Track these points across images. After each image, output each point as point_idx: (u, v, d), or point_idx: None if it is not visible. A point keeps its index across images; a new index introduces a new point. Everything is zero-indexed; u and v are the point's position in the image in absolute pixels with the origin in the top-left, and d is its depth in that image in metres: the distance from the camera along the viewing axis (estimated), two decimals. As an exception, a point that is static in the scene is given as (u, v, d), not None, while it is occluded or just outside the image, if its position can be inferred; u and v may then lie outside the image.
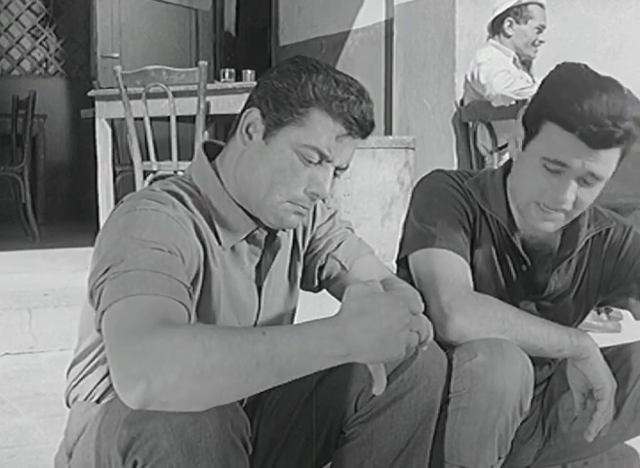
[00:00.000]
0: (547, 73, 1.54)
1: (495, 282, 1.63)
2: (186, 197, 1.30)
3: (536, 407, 1.74)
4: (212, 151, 1.40)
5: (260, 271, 1.41)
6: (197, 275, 1.27)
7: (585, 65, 1.50)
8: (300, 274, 1.51)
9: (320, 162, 1.30)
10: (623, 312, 3.44)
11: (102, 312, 1.11)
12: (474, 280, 1.56)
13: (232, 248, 1.35)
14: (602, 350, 1.57)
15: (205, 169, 1.36)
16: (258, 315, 1.41)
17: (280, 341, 1.03)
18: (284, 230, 1.42)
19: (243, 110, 1.35)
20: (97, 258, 1.20)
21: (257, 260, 1.41)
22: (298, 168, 1.29)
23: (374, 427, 1.35)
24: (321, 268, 1.52)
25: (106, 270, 1.14)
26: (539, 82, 1.57)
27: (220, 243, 1.33)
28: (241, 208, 1.35)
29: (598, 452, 1.79)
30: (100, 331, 1.13)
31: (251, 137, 1.32)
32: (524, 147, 1.52)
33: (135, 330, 1.05)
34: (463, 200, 1.61)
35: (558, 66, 1.52)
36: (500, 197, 1.61)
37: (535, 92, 1.55)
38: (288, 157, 1.29)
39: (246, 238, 1.37)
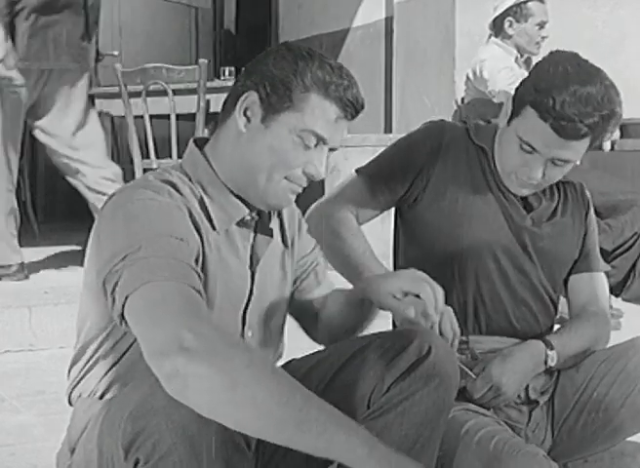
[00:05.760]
0: (542, 58, 1.67)
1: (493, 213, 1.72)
2: (180, 184, 1.33)
3: (542, 416, 1.73)
4: (201, 144, 1.43)
5: (253, 257, 1.43)
6: (197, 261, 1.29)
7: (577, 55, 1.63)
8: (290, 268, 1.53)
9: (316, 145, 1.35)
10: (624, 310, 3.44)
11: (127, 296, 1.14)
12: (472, 212, 1.68)
13: (226, 231, 1.37)
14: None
15: (196, 157, 1.39)
16: (249, 299, 1.42)
17: (319, 420, 1.08)
18: (278, 214, 1.46)
19: (236, 94, 1.36)
20: (101, 249, 1.22)
21: (249, 246, 1.42)
22: (297, 150, 1.34)
23: (384, 423, 1.34)
24: (302, 281, 1.57)
25: (124, 257, 1.16)
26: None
27: (213, 227, 1.35)
28: (232, 193, 1.38)
29: (598, 451, 1.79)
30: (122, 316, 1.15)
31: (249, 121, 1.35)
32: (508, 122, 1.67)
33: (184, 310, 1.10)
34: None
35: (552, 53, 1.66)
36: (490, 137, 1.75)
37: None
38: (288, 141, 1.33)
39: (238, 222, 1.39)
